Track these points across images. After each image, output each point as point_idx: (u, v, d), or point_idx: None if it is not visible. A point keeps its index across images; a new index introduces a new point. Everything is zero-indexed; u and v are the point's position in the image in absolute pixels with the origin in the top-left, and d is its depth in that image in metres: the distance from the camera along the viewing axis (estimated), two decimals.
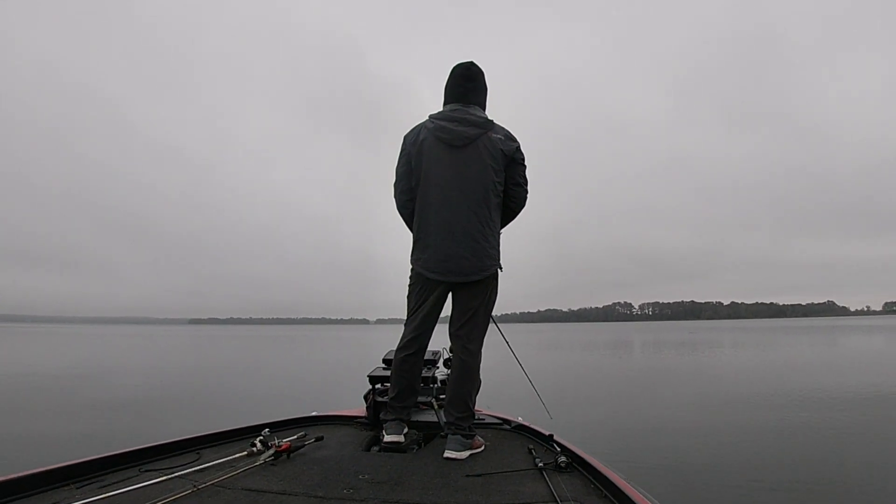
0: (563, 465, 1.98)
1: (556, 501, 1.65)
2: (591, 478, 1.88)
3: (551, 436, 2.37)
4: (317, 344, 40.79)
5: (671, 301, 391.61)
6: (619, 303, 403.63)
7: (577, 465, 2.01)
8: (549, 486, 1.80)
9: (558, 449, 2.20)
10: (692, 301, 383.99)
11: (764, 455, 5.46)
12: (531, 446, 2.33)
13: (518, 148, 2.51)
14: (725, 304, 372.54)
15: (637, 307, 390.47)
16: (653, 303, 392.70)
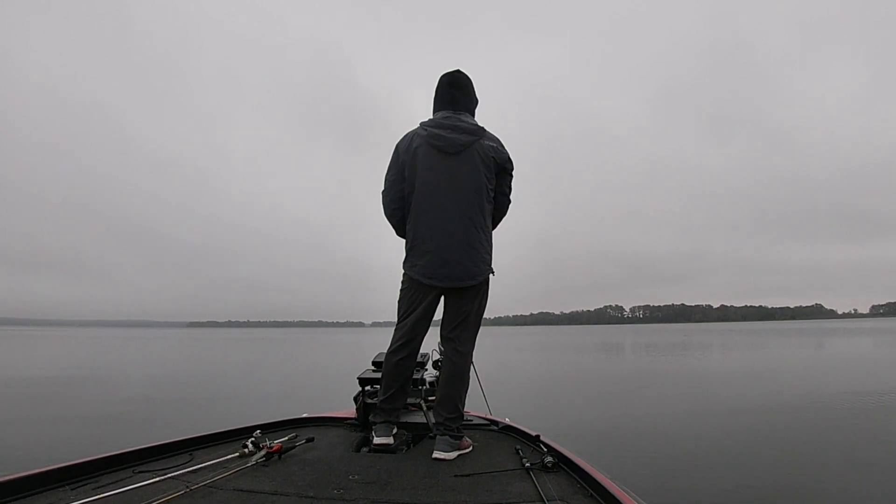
0: (549, 465, 2.01)
1: (543, 501, 1.68)
2: (577, 477, 1.91)
3: (538, 436, 2.40)
4: (311, 346, 40.58)
5: (661, 304, 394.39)
6: (610, 306, 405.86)
7: (563, 465, 2.04)
8: (535, 485, 1.83)
9: (545, 449, 2.24)
10: (682, 304, 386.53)
11: (749, 455, 5.51)
12: (518, 447, 2.36)
13: (509, 158, 2.55)
14: (715, 306, 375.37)
15: (628, 310, 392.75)
16: (643, 306, 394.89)
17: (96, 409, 8.76)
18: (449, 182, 2.42)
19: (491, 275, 2.54)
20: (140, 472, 1.93)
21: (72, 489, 1.73)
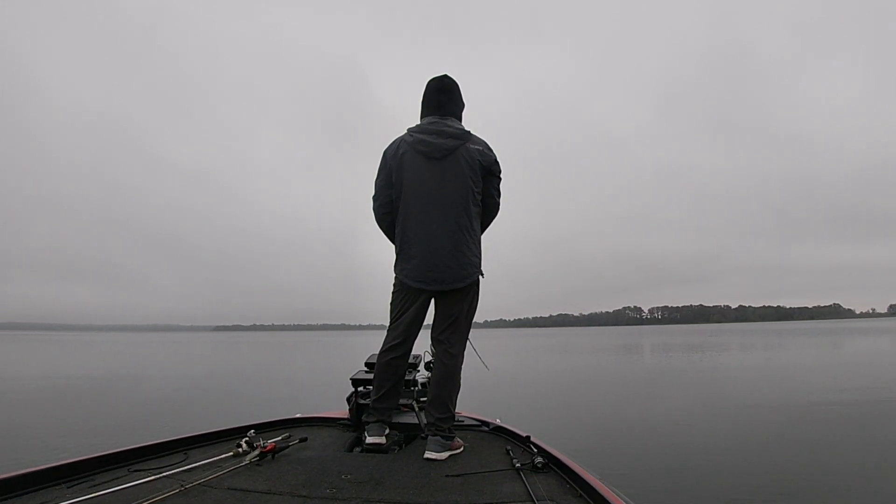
0: (539, 465, 2.02)
1: (533, 501, 1.69)
2: (566, 478, 1.92)
3: (528, 437, 2.41)
4: (325, 348, 40.99)
5: (680, 305, 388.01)
6: (628, 307, 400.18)
7: (553, 465, 2.05)
8: (525, 485, 1.84)
9: (535, 450, 2.24)
10: (700, 305, 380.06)
11: (744, 458, 5.42)
12: (509, 447, 2.37)
13: (496, 161, 2.56)
14: (733, 307, 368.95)
15: (647, 311, 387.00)
16: (662, 307, 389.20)
17: (97, 409, 9.03)
18: (435, 187, 2.45)
19: (480, 277, 2.57)
20: (135, 470, 1.97)
21: (68, 487, 1.77)
